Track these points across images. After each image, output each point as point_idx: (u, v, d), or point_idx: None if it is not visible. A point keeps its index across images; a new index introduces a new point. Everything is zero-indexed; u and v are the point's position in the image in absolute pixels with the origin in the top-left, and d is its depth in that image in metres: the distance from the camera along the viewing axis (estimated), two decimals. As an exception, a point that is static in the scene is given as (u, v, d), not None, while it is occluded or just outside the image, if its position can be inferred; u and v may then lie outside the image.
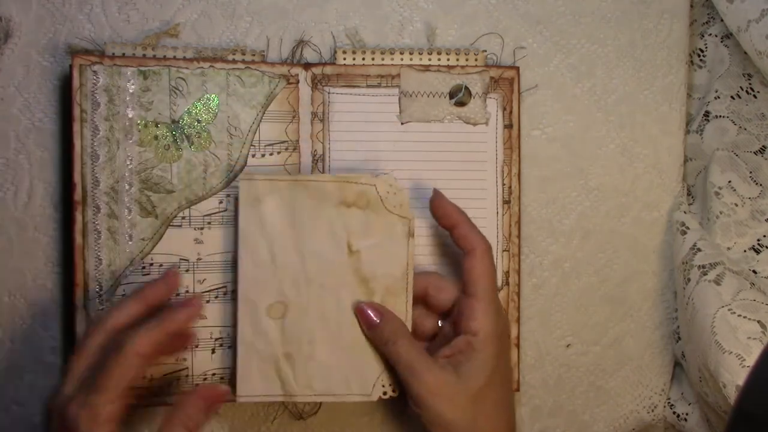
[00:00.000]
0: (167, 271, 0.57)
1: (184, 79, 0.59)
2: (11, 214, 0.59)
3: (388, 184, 0.58)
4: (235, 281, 0.58)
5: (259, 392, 0.57)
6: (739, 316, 0.58)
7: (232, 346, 0.58)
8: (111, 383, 0.50)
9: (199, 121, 0.59)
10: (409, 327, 0.58)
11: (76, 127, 0.57)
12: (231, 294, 0.60)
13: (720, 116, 0.65)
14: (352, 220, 0.57)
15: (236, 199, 0.58)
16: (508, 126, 0.62)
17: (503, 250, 0.63)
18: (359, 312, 0.57)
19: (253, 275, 0.57)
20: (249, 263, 0.57)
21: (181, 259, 0.59)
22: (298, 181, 0.57)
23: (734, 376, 0.56)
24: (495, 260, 0.63)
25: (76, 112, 0.57)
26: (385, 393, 0.58)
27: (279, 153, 0.60)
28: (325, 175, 0.59)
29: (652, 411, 0.67)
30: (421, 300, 0.59)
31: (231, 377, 0.59)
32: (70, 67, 0.57)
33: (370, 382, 0.58)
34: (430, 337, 0.59)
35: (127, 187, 0.58)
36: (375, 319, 0.56)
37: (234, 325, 0.58)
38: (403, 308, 0.58)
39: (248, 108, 0.60)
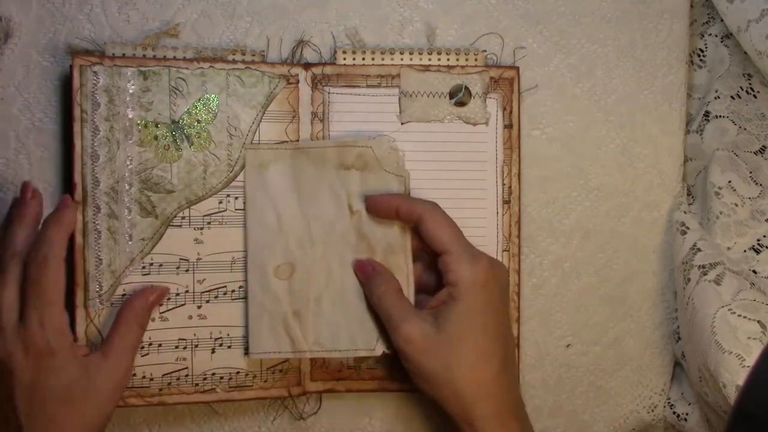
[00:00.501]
0: (29, 191, 0.56)
1: (184, 80, 0.59)
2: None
3: (384, 145, 0.60)
4: (245, 246, 0.59)
5: (271, 349, 0.59)
6: (739, 316, 0.58)
7: (245, 307, 0.60)
8: (55, 294, 0.53)
9: (199, 122, 0.59)
10: (411, 283, 0.59)
11: (77, 127, 0.57)
12: (231, 294, 0.60)
13: (720, 116, 0.65)
14: (351, 181, 0.60)
15: (242, 168, 0.60)
16: (508, 126, 0.62)
17: (503, 250, 0.63)
18: (356, 268, 0.59)
19: (260, 239, 0.59)
20: (256, 227, 0.59)
21: (181, 259, 0.59)
22: (299, 149, 0.60)
23: (734, 376, 0.56)
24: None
25: (77, 112, 0.57)
26: (388, 348, 0.59)
27: (279, 153, 0.60)
28: (325, 141, 0.61)
29: (652, 411, 0.67)
30: (417, 246, 0.60)
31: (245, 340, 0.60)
32: (71, 67, 0.57)
33: (374, 337, 0.59)
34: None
35: (127, 187, 0.58)
36: (368, 273, 0.58)
37: (245, 287, 0.60)
38: (403, 265, 0.59)
39: (248, 108, 0.60)
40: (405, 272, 0.59)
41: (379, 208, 0.59)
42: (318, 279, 0.59)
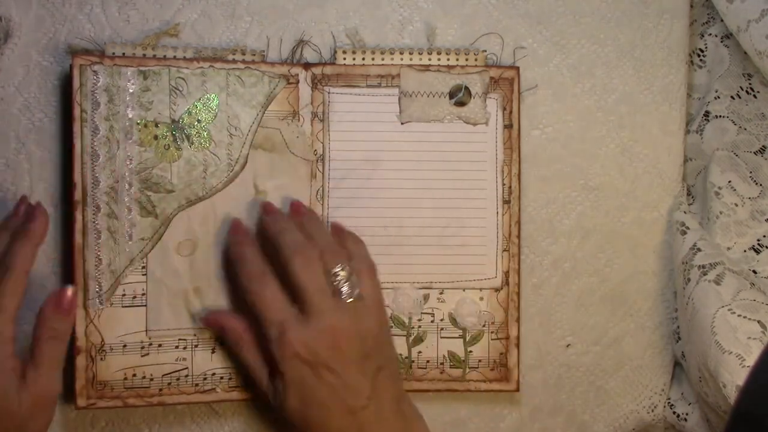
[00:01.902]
0: (32, 206, 0.56)
1: (184, 79, 0.59)
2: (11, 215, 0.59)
3: (292, 129, 0.60)
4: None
5: (170, 326, 0.59)
6: (739, 316, 0.58)
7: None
8: (9, 303, 0.52)
9: (199, 121, 0.59)
10: None
11: (76, 127, 0.57)
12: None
13: (720, 116, 0.65)
14: (258, 161, 0.60)
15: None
16: (508, 126, 0.62)
17: (503, 250, 0.63)
18: (205, 322, 0.59)
19: None
20: None
21: (180, 259, 0.59)
22: None
23: (734, 376, 0.56)
24: (495, 260, 0.63)
25: (76, 112, 0.57)
26: None
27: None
28: None
29: (652, 411, 0.67)
30: None
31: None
32: (70, 67, 0.57)
33: None
34: None
35: (127, 186, 0.58)
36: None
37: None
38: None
39: (248, 108, 0.60)
40: None
41: (265, 223, 0.58)
42: (220, 256, 0.59)
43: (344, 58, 0.62)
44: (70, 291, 0.54)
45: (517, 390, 0.63)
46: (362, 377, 0.54)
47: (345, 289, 0.55)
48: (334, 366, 0.53)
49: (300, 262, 0.54)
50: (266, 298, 0.54)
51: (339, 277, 0.55)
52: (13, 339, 0.52)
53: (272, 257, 0.56)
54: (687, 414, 0.66)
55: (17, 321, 0.52)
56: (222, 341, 0.59)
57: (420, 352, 0.62)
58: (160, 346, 0.59)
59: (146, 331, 0.58)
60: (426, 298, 0.62)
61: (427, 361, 0.63)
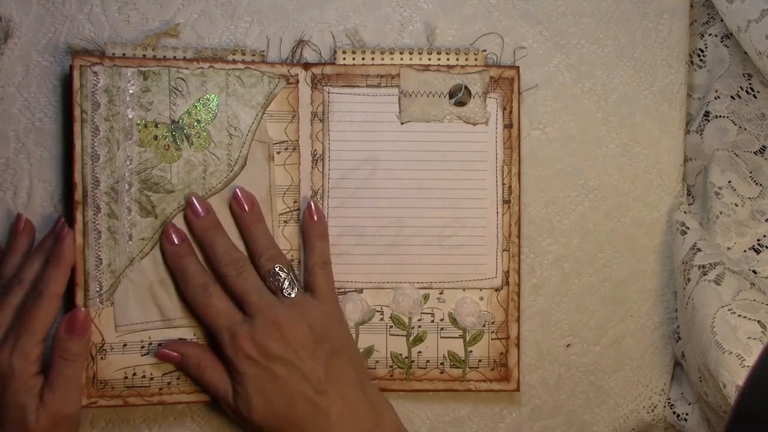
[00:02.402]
0: (21, 223, 0.58)
1: (183, 80, 0.59)
2: (11, 214, 0.59)
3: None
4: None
5: (138, 320, 0.59)
6: (739, 316, 0.58)
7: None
8: (38, 325, 0.54)
9: (198, 121, 0.59)
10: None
11: (77, 127, 0.57)
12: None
13: (720, 116, 0.65)
14: None
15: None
16: (508, 126, 0.62)
17: (503, 250, 0.63)
18: (160, 356, 0.59)
19: None
20: None
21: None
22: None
23: (734, 376, 0.56)
24: (495, 260, 0.63)
25: (77, 112, 0.57)
26: None
27: (278, 153, 0.60)
28: None
29: (652, 411, 0.67)
30: None
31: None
32: (71, 67, 0.57)
33: None
34: None
35: (127, 187, 0.58)
36: (200, 211, 0.59)
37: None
38: (267, 228, 0.60)
39: (248, 108, 0.60)
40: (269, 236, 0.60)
41: (195, 228, 0.59)
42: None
43: (344, 58, 0.62)
44: (82, 313, 0.56)
45: (517, 390, 0.63)
46: (314, 363, 0.56)
47: (286, 285, 0.57)
48: (285, 357, 0.55)
49: (233, 270, 0.57)
50: (213, 307, 0.57)
51: (279, 278, 0.57)
52: (39, 360, 0.55)
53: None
54: (687, 414, 0.66)
55: (46, 342, 0.55)
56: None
57: (420, 352, 0.63)
58: (160, 345, 0.59)
59: (115, 327, 0.58)
60: (426, 297, 0.62)
61: (427, 361, 0.63)
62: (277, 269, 0.57)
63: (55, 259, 0.56)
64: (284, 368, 0.55)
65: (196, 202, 0.58)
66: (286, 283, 0.57)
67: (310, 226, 0.60)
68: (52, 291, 0.55)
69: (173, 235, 0.58)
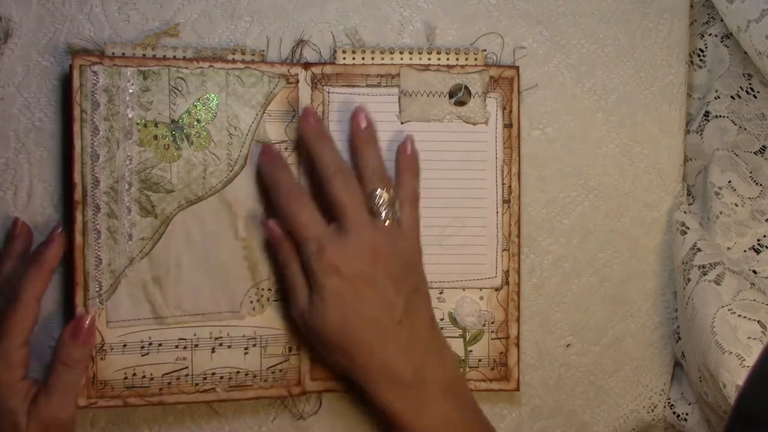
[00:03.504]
0: (18, 227, 0.58)
1: (183, 79, 0.59)
2: (11, 214, 0.59)
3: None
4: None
5: (130, 317, 0.59)
6: (739, 316, 0.58)
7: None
8: (17, 330, 0.54)
9: (198, 121, 0.59)
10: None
11: (76, 127, 0.57)
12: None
13: (720, 116, 0.65)
14: None
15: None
16: (508, 125, 0.62)
17: (503, 250, 0.63)
18: (266, 231, 0.58)
19: None
20: None
21: (180, 258, 0.59)
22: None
23: (734, 376, 0.56)
24: (495, 259, 0.63)
25: (76, 112, 0.57)
26: (254, 309, 0.59)
27: (279, 153, 0.60)
28: None
29: (652, 411, 0.67)
30: None
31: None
32: (70, 67, 0.57)
33: (238, 299, 0.59)
34: None
35: (126, 186, 0.58)
36: (276, 237, 0.57)
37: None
38: (380, 150, 0.59)
39: (248, 108, 0.60)
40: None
41: (310, 145, 0.58)
42: (178, 244, 0.59)
43: (344, 58, 0.62)
44: (87, 320, 0.56)
45: (517, 389, 0.63)
46: (398, 294, 0.55)
47: (384, 210, 0.56)
48: (372, 279, 0.55)
49: (339, 180, 0.56)
50: (303, 217, 0.55)
51: (379, 200, 0.56)
52: (23, 364, 0.54)
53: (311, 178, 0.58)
54: (687, 414, 0.66)
55: (28, 345, 0.55)
56: (222, 342, 0.59)
57: (420, 352, 0.62)
58: (160, 345, 0.59)
59: (107, 323, 0.58)
60: (426, 297, 0.62)
61: (427, 361, 0.63)
62: (381, 191, 0.56)
63: (36, 263, 0.55)
64: (369, 290, 0.54)
65: (308, 112, 0.57)
66: (385, 209, 0.56)
67: (404, 161, 0.59)
68: (29, 295, 0.54)
69: (269, 151, 0.57)
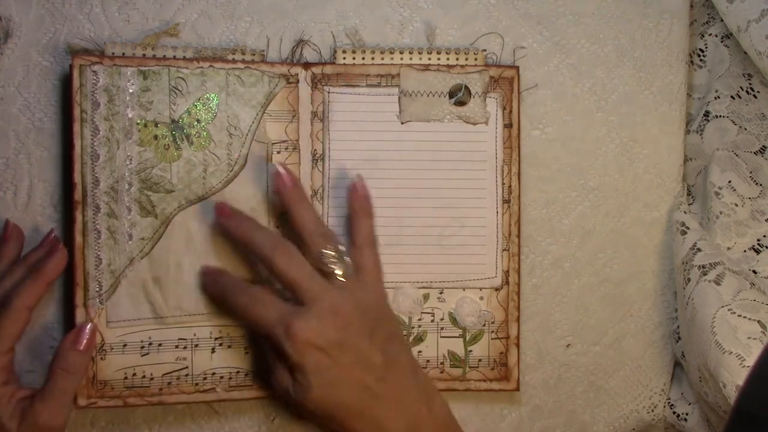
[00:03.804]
0: (52, 242, 0.57)
1: (183, 79, 0.59)
2: (11, 214, 0.59)
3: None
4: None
5: (129, 316, 0.59)
6: (739, 316, 0.58)
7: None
8: (4, 335, 0.53)
9: (198, 121, 0.59)
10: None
11: (76, 127, 0.57)
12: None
13: (720, 116, 0.65)
14: None
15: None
16: (508, 125, 0.62)
17: (503, 250, 0.63)
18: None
19: None
20: None
21: (180, 258, 0.59)
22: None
23: (734, 376, 0.56)
24: (495, 259, 0.63)
25: (76, 112, 0.57)
26: None
27: (279, 153, 0.60)
28: None
29: (652, 411, 0.67)
30: None
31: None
32: (70, 67, 0.57)
33: None
34: None
35: (126, 186, 0.58)
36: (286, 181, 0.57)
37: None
38: (312, 205, 0.59)
39: (248, 108, 0.60)
40: None
41: (229, 228, 0.57)
42: (178, 244, 0.59)
43: (344, 58, 0.62)
44: (88, 329, 0.55)
45: (517, 389, 0.63)
46: (373, 350, 0.54)
47: (336, 267, 0.55)
48: (345, 343, 0.54)
49: (282, 258, 0.54)
50: (258, 306, 0.55)
51: (328, 258, 0.55)
52: (6, 370, 0.54)
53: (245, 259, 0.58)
54: (687, 414, 0.66)
55: (13, 352, 0.55)
56: (222, 342, 0.59)
57: (420, 351, 0.62)
58: (160, 345, 0.59)
59: (107, 323, 0.58)
60: (426, 297, 0.62)
61: (428, 361, 0.63)
62: (328, 250, 0.55)
63: (37, 274, 0.55)
64: (345, 355, 0.53)
65: (222, 207, 0.57)
66: (337, 266, 0.55)
67: (357, 202, 0.58)
68: (22, 303, 0.54)
69: (224, 208, 0.57)
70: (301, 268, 0.54)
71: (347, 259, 0.56)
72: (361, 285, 0.56)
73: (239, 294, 0.56)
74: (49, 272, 0.55)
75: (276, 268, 0.55)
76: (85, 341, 0.55)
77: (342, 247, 0.56)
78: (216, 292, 0.58)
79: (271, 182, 0.58)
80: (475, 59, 0.62)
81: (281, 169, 0.57)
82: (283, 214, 0.60)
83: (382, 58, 0.62)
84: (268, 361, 0.57)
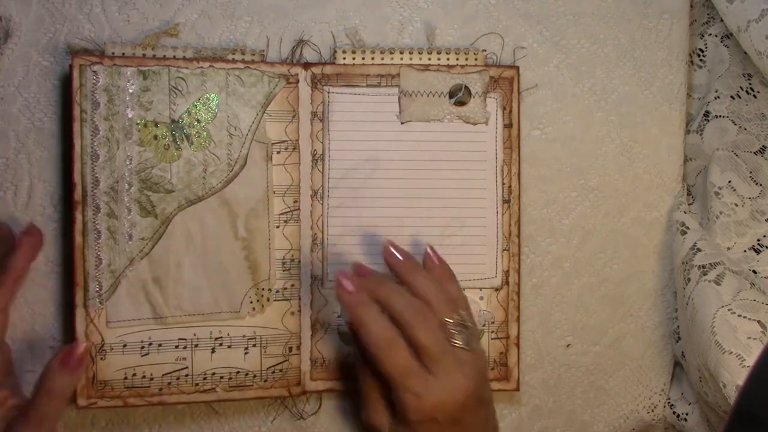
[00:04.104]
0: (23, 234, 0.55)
1: (183, 79, 0.59)
2: (11, 214, 0.59)
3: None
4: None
5: (129, 316, 0.59)
6: (739, 316, 0.58)
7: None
8: None
9: (198, 121, 0.59)
10: (273, 248, 0.60)
11: (76, 127, 0.57)
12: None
13: (720, 116, 0.65)
14: None
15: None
16: (508, 125, 0.62)
17: (503, 250, 0.63)
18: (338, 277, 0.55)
19: None
20: None
21: (180, 258, 0.59)
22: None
23: (734, 376, 0.56)
24: (495, 259, 0.63)
25: (76, 112, 0.57)
26: (254, 309, 0.59)
27: (278, 153, 0.60)
28: None
29: (652, 411, 0.67)
30: None
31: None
32: (70, 67, 0.57)
33: (238, 299, 0.60)
34: None
35: (126, 186, 0.58)
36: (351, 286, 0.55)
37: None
38: (265, 228, 0.60)
39: (248, 108, 0.60)
40: (266, 236, 0.60)
41: (394, 268, 0.56)
42: (178, 245, 0.59)
43: (344, 58, 0.62)
44: (81, 348, 0.52)
45: (517, 389, 0.63)
46: (477, 420, 0.55)
47: (460, 340, 0.54)
48: (460, 418, 0.54)
49: (421, 327, 0.53)
50: (398, 365, 0.53)
51: (453, 328, 0.54)
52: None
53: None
54: (687, 414, 0.66)
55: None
56: (222, 342, 0.59)
57: (420, 352, 0.62)
58: (160, 345, 0.59)
59: (107, 323, 0.58)
60: (426, 298, 0.62)
61: (427, 361, 0.63)
62: (451, 319, 0.54)
63: (3, 274, 0.53)
64: (457, 428, 0.54)
65: (343, 279, 0.54)
66: (460, 336, 0.54)
67: (439, 271, 0.57)
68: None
69: (347, 283, 0.53)
70: (436, 340, 0.53)
71: (470, 325, 0.55)
72: (476, 354, 0.56)
73: (383, 345, 0.53)
74: (15, 268, 0.54)
75: (413, 335, 0.53)
76: (73, 362, 0.51)
77: (464, 312, 0.55)
78: (356, 325, 0.54)
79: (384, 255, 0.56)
80: (475, 59, 0.62)
81: (390, 246, 0.56)
82: (282, 214, 0.60)
83: (382, 58, 0.62)
84: (363, 387, 0.56)
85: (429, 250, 0.57)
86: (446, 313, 0.54)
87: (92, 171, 0.58)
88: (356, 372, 0.57)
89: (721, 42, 0.65)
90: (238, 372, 0.60)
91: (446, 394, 0.53)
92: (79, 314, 0.58)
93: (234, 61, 0.60)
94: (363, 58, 0.62)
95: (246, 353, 0.60)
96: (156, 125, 0.59)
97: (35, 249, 0.55)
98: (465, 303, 0.57)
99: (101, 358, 0.58)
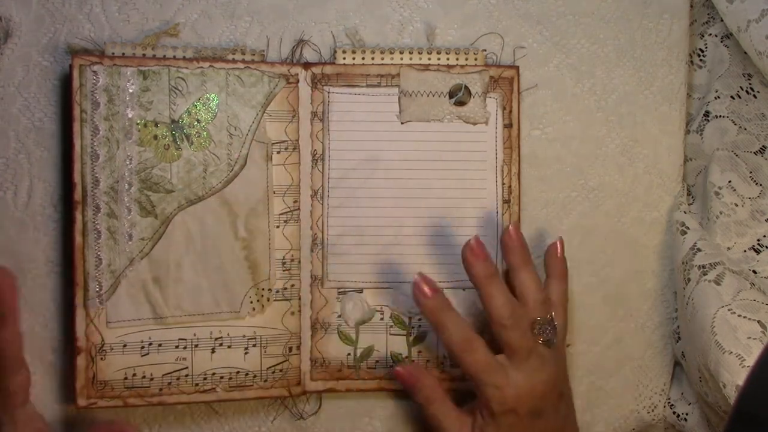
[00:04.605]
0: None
1: (183, 79, 0.59)
2: (11, 214, 0.59)
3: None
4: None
5: (129, 316, 0.58)
6: (739, 316, 0.58)
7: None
8: None
9: (198, 121, 0.59)
10: (273, 248, 0.60)
11: (76, 127, 0.57)
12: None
13: (720, 116, 0.65)
14: None
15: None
16: (508, 125, 0.62)
17: (503, 250, 0.63)
18: (397, 378, 0.59)
19: None
20: None
21: (180, 258, 0.59)
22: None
23: (734, 376, 0.56)
24: (495, 260, 0.63)
25: (76, 112, 0.57)
26: (254, 309, 0.59)
27: (278, 153, 0.60)
28: None
29: (652, 411, 0.67)
30: None
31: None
32: (70, 67, 0.57)
33: (238, 299, 0.59)
34: None
35: (126, 186, 0.58)
36: (410, 383, 0.59)
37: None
38: (265, 229, 0.60)
39: (248, 108, 0.60)
40: (266, 237, 0.60)
41: (425, 307, 0.57)
42: (178, 244, 0.59)
43: (344, 58, 0.62)
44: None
45: (517, 390, 0.63)
46: (557, 414, 0.58)
47: (545, 337, 0.57)
48: (541, 411, 0.57)
49: (515, 329, 0.56)
50: (478, 362, 0.56)
51: (541, 327, 0.57)
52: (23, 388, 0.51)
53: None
54: (687, 414, 0.66)
55: None
56: (222, 342, 0.59)
57: (420, 351, 0.63)
58: (160, 345, 0.59)
59: (107, 323, 0.58)
60: (426, 298, 0.62)
61: (428, 361, 0.63)
62: (540, 318, 0.57)
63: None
64: (539, 421, 0.56)
65: (423, 284, 0.57)
66: (545, 334, 0.57)
67: (555, 264, 0.60)
68: None
69: (425, 288, 0.57)
70: (525, 340, 0.56)
71: (557, 323, 0.58)
72: (557, 350, 0.59)
73: (463, 347, 0.57)
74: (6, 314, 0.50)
75: (503, 335, 0.56)
76: None
77: (552, 316, 0.58)
78: (436, 327, 0.57)
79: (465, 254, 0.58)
80: (475, 59, 0.62)
81: (512, 229, 0.59)
82: (282, 214, 0.60)
83: (382, 58, 0.62)
84: (437, 417, 0.58)
85: (558, 244, 0.60)
86: (538, 312, 0.57)
87: (92, 171, 0.58)
88: (424, 413, 0.59)
89: (721, 42, 0.65)
90: (238, 372, 0.60)
91: (527, 386, 0.56)
92: (79, 314, 0.58)
93: (234, 61, 0.60)
94: (363, 58, 0.62)
95: (246, 353, 0.60)
96: (156, 125, 0.59)
97: (11, 287, 0.51)
98: (562, 301, 0.60)
99: (101, 359, 0.58)
